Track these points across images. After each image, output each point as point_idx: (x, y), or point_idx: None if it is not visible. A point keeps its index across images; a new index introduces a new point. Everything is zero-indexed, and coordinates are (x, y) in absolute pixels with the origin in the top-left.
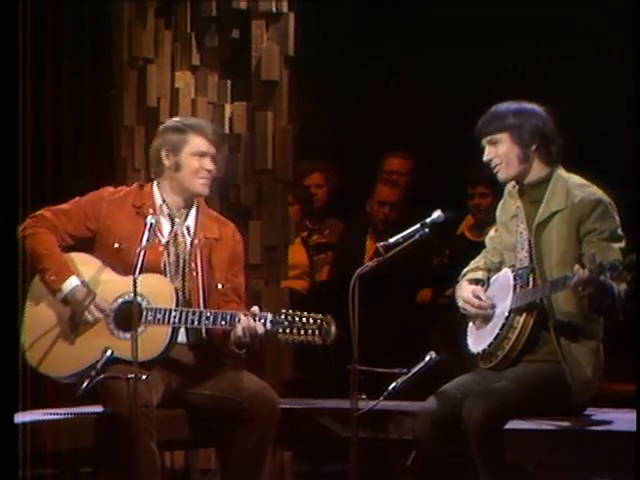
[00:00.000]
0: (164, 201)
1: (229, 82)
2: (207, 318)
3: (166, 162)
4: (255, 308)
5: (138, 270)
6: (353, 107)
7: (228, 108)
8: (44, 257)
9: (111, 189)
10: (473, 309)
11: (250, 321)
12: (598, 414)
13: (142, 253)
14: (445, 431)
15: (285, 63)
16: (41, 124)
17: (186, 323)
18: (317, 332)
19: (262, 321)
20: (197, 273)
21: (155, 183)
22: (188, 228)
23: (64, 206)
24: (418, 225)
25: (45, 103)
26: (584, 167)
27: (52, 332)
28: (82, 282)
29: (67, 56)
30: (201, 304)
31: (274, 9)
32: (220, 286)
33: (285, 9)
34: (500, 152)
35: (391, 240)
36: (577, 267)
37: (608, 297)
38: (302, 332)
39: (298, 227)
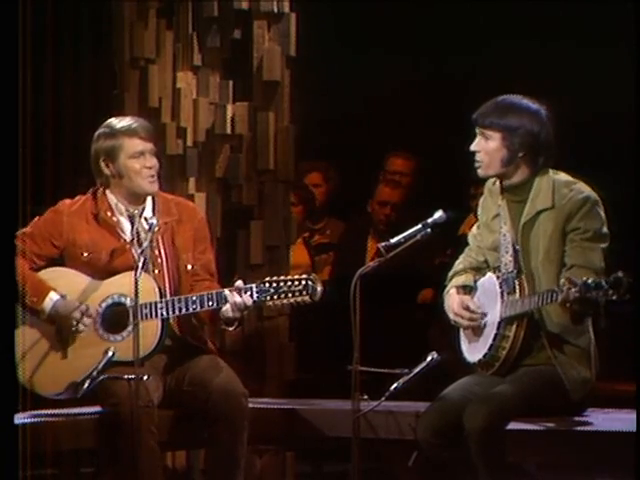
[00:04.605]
0: (119, 202)
1: (231, 82)
2: (194, 302)
3: (107, 171)
4: (239, 282)
5: (139, 270)
6: (354, 107)
7: (230, 108)
8: (19, 283)
9: (68, 201)
10: (465, 321)
11: (236, 296)
12: (598, 414)
13: (142, 254)
14: (447, 438)
15: (286, 63)
16: (41, 124)
17: (174, 312)
18: (304, 292)
19: (248, 293)
20: (161, 259)
21: (107, 190)
22: (146, 218)
23: (27, 229)
24: (420, 225)
25: (45, 103)
26: (582, 164)
27: (41, 352)
28: (62, 296)
29: (67, 56)
30: (168, 290)
31: (275, 9)
32: (190, 267)
33: (287, 9)
34: (488, 149)
35: (392, 240)
36: (563, 281)
37: (592, 310)
38: (290, 295)
39: (300, 227)
